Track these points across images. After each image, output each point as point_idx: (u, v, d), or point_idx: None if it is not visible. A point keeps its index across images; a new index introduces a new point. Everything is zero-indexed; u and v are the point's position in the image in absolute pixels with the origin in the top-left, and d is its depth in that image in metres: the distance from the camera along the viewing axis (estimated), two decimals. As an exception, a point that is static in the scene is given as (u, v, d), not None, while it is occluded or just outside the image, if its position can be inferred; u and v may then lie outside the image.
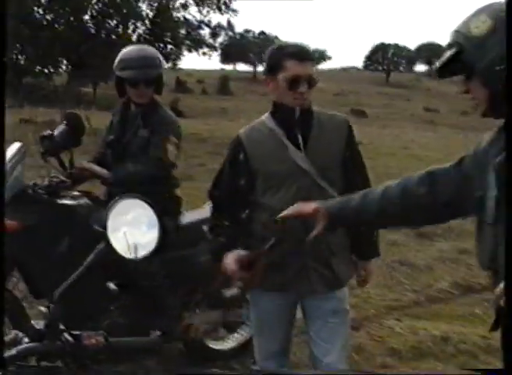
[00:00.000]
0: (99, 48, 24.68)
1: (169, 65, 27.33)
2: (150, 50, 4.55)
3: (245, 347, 4.80)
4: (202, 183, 12.33)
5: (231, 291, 4.71)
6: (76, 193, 4.35)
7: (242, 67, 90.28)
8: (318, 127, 3.22)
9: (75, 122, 4.40)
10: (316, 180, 3.14)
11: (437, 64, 2.23)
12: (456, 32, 2.14)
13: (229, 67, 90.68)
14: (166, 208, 4.26)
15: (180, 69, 32.12)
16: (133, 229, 1.63)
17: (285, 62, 3.09)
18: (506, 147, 1.70)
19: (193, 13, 28.70)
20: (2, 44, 1.69)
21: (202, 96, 51.82)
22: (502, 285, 1.88)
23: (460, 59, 2.11)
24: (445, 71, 2.24)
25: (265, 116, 3.30)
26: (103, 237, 1.62)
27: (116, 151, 4.42)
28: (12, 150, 4.13)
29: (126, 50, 4.43)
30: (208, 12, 28.59)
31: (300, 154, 3.15)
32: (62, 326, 1.59)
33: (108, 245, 1.60)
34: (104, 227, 1.59)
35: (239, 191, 3.28)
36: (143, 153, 4.30)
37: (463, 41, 2.10)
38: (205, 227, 4.50)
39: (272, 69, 3.16)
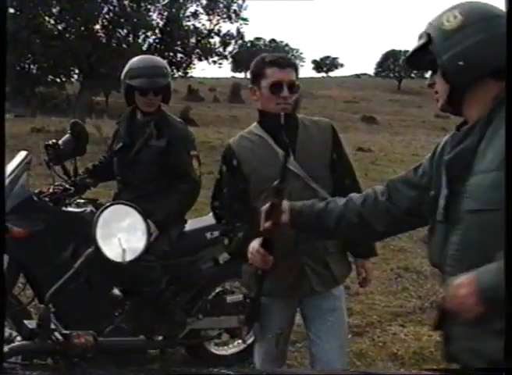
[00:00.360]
0: (110, 58, 24.83)
1: (180, 73, 27.43)
2: (157, 60, 4.65)
3: (247, 352, 4.85)
4: (210, 192, 12.47)
5: (234, 297, 4.77)
6: (80, 200, 4.43)
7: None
8: (304, 132, 3.30)
9: (79, 131, 4.51)
10: (307, 182, 3.21)
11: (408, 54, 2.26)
12: (430, 24, 2.14)
13: (240, 75, 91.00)
14: (176, 220, 4.42)
15: (192, 77, 32.28)
16: (120, 233, 1.71)
17: (266, 69, 3.18)
18: (506, 146, 1.74)
19: (203, 22, 28.80)
20: (2, 45, 1.74)
21: (214, 104, 52.10)
22: (449, 282, 1.93)
23: (427, 51, 2.13)
24: (413, 61, 2.28)
25: (253, 126, 3.38)
26: (92, 240, 1.70)
27: (125, 159, 4.48)
28: (18, 159, 4.22)
29: (135, 60, 4.50)
30: (218, 21, 28.77)
31: (289, 158, 3.21)
32: (53, 326, 1.67)
33: (97, 250, 1.67)
34: (92, 231, 1.67)
35: (236, 197, 3.34)
36: (156, 162, 4.38)
37: (433, 32, 2.10)
38: (208, 234, 4.58)
39: (255, 78, 3.25)
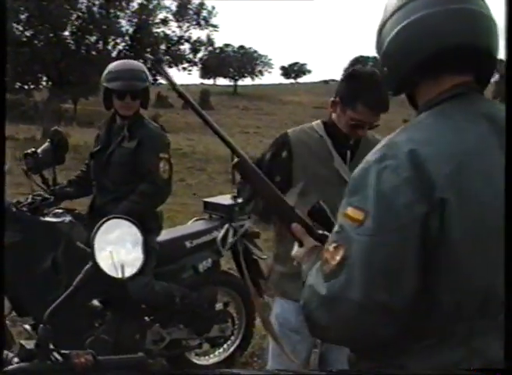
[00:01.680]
0: (79, 65, 24.67)
1: (150, 80, 27.25)
2: (136, 63, 4.64)
3: (229, 362, 4.83)
4: (182, 199, 12.42)
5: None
6: (58, 210, 4.35)
7: (222, 81, 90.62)
8: (365, 145, 3.22)
9: (59, 139, 4.46)
10: None
11: None
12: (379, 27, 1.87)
13: (209, 82, 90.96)
14: (150, 225, 4.32)
15: (161, 84, 32.17)
16: (118, 248, 1.67)
17: (359, 105, 3.10)
18: (507, 146, 1.63)
19: (173, 29, 28.76)
20: (2, 46, 1.70)
21: (183, 111, 51.80)
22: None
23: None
24: None
25: (316, 123, 3.33)
26: (89, 256, 1.66)
27: (100, 161, 4.45)
28: None
29: (114, 63, 4.50)
30: (188, 27, 28.75)
31: (345, 166, 3.21)
32: (51, 346, 1.62)
33: (95, 265, 1.64)
34: (90, 247, 1.63)
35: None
36: (126, 164, 4.35)
37: (378, 28, 1.85)
38: (188, 243, 4.55)
39: (345, 101, 3.15)
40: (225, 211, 4.89)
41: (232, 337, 4.94)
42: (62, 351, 1.61)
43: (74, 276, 4.15)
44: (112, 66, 4.44)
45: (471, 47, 1.68)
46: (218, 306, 4.81)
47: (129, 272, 1.64)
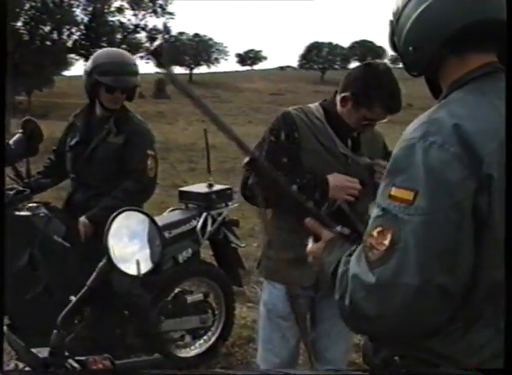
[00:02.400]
0: (33, 55, 24.22)
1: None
2: (128, 56, 4.46)
3: (211, 352, 4.77)
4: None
5: (194, 297, 4.68)
6: (33, 204, 4.18)
7: (177, 70, 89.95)
8: (364, 136, 3.25)
9: (32, 129, 4.26)
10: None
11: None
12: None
13: (164, 70, 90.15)
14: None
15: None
16: (133, 243, 1.58)
17: (376, 106, 3.03)
18: (507, 147, 1.60)
19: (128, 17, 28.42)
20: (2, 45, 1.61)
21: (139, 100, 51.28)
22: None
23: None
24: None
25: (315, 107, 3.24)
26: (104, 252, 1.55)
27: (81, 155, 4.30)
28: None
29: (104, 54, 4.36)
30: (143, 15, 28.45)
31: (350, 152, 3.18)
32: (66, 353, 1.52)
33: (109, 263, 1.53)
34: (104, 242, 1.53)
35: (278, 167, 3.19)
36: (111, 160, 4.22)
37: (393, 17, 1.87)
38: (167, 233, 4.45)
39: (360, 99, 3.06)
40: (202, 199, 4.83)
41: (213, 328, 4.87)
42: (78, 358, 1.50)
43: (53, 271, 4.02)
44: (101, 56, 4.28)
45: (494, 22, 1.69)
46: (198, 297, 4.73)
47: (145, 268, 1.55)
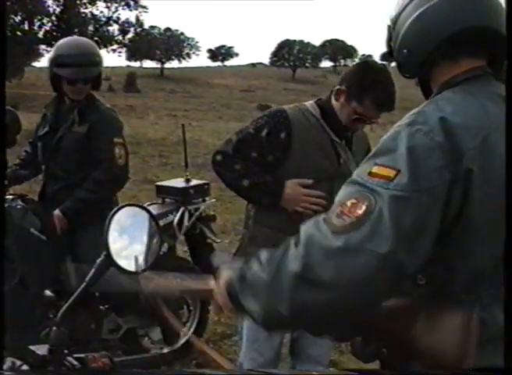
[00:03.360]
0: (3, 45, 23.90)
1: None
2: (89, 46, 4.35)
3: (185, 349, 4.74)
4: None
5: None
6: (9, 196, 4.08)
7: (148, 64, 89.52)
8: (357, 140, 3.30)
9: (9, 120, 4.11)
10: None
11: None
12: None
13: (135, 64, 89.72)
14: (107, 213, 4.18)
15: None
16: (132, 239, 1.56)
17: (367, 100, 3.06)
18: (507, 147, 1.65)
19: (101, 9, 28.17)
20: (2, 44, 1.59)
21: (109, 93, 50.94)
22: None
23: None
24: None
25: (310, 105, 3.25)
26: (104, 248, 1.53)
27: (48, 146, 4.24)
28: None
29: (63, 44, 4.26)
30: (116, 8, 28.23)
31: (348, 153, 3.20)
32: (65, 351, 1.49)
33: (108, 258, 1.51)
34: (104, 238, 1.50)
35: (260, 163, 3.17)
36: (77, 150, 4.16)
37: (390, 22, 1.94)
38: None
39: (352, 92, 3.09)
40: (180, 194, 4.80)
41: (188, 324, 4.85)
42: (77, 356, 1.47)
43: (29, 264, 3.96)
44: (61, 47, 4.20)
45: (485, 29, 1.77)
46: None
47: (143, 265, 1.53)
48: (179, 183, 4.95)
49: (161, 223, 4.52)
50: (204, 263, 4.92)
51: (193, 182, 4.98)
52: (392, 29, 1.92)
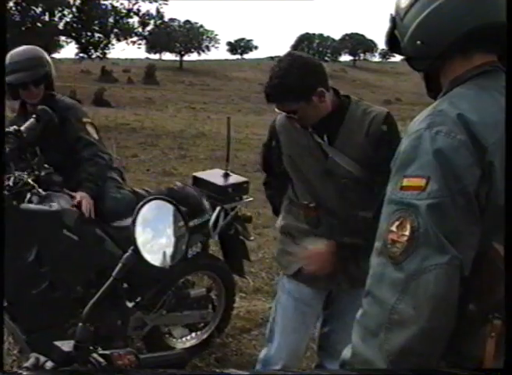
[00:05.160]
0: (24, 37, 23.93)
1: (98, 54, 26.83)
2: (34, 50, 4.51)
3: (206, 344, 4.72)
4: (136, 175, 12.22)
5: (197, 291, 4.58)
6: (42, 192, 3.93)
7: (168, 56, 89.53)
8: (349, 121, 3.13)
9: (48, 120, 4.12)
10: (349, 170, 3.09)
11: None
12: (395, 4, 1.92)
13: (154, 56, 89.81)
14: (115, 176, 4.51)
15: (106, 58, 31.61)
16: (160, 233, 1.53)
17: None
18: (507, 147, 1.62)
19: (121, 1, 28.12)
20: (2, 43, 1.58)
21: (128, 86, 51.10)
22: None
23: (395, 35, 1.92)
24: (393, 48, 2.00)
25: None
26: (132, 242, 1.49)
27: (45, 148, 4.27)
28: None
29: (11, 54, 4.40)
30: (136, 0, 28.15)
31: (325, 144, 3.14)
32: (91, 347, 1.46)
33: (135, 253, 1.47)
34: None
35: (275, 174, 3.43)
36: (59, 139, 4.35)
37: (395, 14, 1.90)
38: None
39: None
40: (219, 192, 4.63)
41: (211, 322, 4.81)
42: (102, 352, 1.44)
43: (59, 268, 3.84)
44: (10, 56, 4.33)
45: (499, 25, 1.74)
46: (201, 292, 4.63)
47: (173, 259, 1.50)
48: (217, 177, 4.75)
49: (197, 221, 4.44)
50: (236, 262, 4.84)
51: (232, 179, 4.79)
52: (400, 19, 1.87)
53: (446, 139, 1.59)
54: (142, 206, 1.50)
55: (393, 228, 1.58)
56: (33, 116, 4.11)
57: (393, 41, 1.94)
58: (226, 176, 4.74)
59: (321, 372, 3.02)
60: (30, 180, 3.88)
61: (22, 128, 3.98)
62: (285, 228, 3.39)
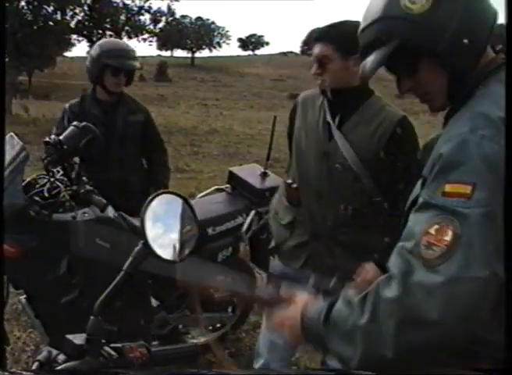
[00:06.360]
0: (36, 36, 24.07)
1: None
2: (128, 44, 4.76)
3: (220, 341, 4.70)
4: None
5: (221, 295, 4.53)
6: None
7: (179, 53, 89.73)
8: (361, 113, 3.06)
9: (92, 138, 3.71)
10: (348, 163, 3.02)
11: (371, 65, 1.73)
12: (382, 21, 1.70)
13: (166, 53, 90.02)
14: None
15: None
16: (170, 226, 1.53)
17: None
18: (506, 147, 1.57)
19: (132, -1, 28.21)
20: (2, 43, 1.58)
21: (140, 83, 51.22)
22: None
23: (404, 50, 1.68)
24: (390, 68, 1.81)
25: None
26: (140, 236, 1.48)
27: (109, 139, 4.26)
28: (12, 148, 3.37)
29: (111, 41, 4.81)
30: (147, -3, 28.23)
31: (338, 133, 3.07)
32: (103, 340, 1.46)
33: (146, 247, 1.48)
34: (141, 225, 1.47)
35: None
36: (139, 137, 4.50)
37: (401, 28, 1.67)
38: (210, 230, 4.17)
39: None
40: (255, 194, 4.44)
41: (229, 323, 4.77)
42: (114, 345, 1.45)
43: (90, 276, 3.75)
44: (109, 43, 4.58)
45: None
46: (225, 297, 4.55)
47: (183, 253, 1.50)
48: (255, 177, 4.52)
49: (229, 225, 4.31)
50: (263, 260, 4.73)
51: (270, 180, 4.51)
52: (425, 20, 1.65)
53: (491, 144, 1.51)
54: (151, 200, 1.50)
55: (432, 231, 1.51)
56: (74, 123, 3.84)
57: (393, 61, 1.74)
58: (264, 175, 4.54)
59: (324, 371, 2.99)
60: (66, 194, 3.61)
61: (61, 137, 3.66)
62: (272, 204, 3.43)
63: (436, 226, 1.50)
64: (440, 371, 1.58)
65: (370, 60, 1.72)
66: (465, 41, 1.66)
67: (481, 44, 1.70)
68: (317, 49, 2.98)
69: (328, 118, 3.05)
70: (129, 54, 4.43)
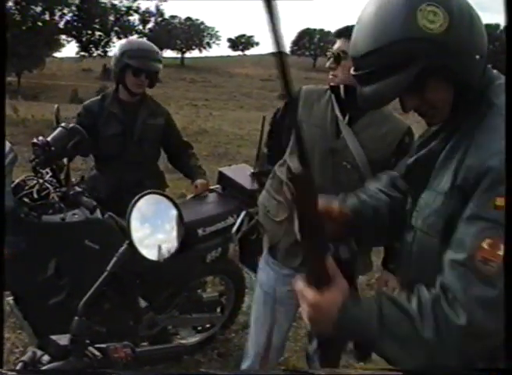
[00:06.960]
0: (25, 36, 24.01)
1: (99, 52, 26.93)
2: (154, 46, 4.67)
3: (208, 341, 4.70)
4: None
5: (210, 295, 4.52)
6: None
7: (169, 54, 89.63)
8: (371, 115, 3.05)
9: (79, 140, 3.72)
10: (354, 162, 3.02)
11: (394, 88, 1.68)
12: (402, 43, 1.64)
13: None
14: None
15: (107, 56, 31.70)
16: (155, 227, 1.53)
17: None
18: (506, 147, 1.57)
19: (121, -1, 28.20)
20: (2, 44, 1.57)
21: (130, 83, 51.11)
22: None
23: (421, 71, 1.64)
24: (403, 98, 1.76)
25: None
26: (126, 236, 1.48)
27: (128, 140, 4.32)
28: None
29: (135, 41, 4.58)
30: (135, -2, 28.24)
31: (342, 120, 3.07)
32: (87, 341, 1.46)
33: (130, 247, 1.47)
34: (126, 226, 1.46)
35: (280, 144, 3.27)
36: (159, 140, 4.49)
37: (425, 48, 1.62)
38: (200, 231, 4.16)
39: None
40: (245, 194, 4.42)
41: (218, 323, 4.77)
42: (98, 346, 1.45)
43: (78, 277, 3.73)
44: (132, 43, 4.49)
45: None
46: (214, 297, 4.56)
47: (167, 253, 1.50)
48: (245, 178, 4.49)
49: (220, 226, 4.30)
50: (252, 260, 4.70)
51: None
52: (445, 39, 1.63)
53: None
54: (137, 201, 1.50)
55: (485, 245, 1.52)
56: (62, 124, 3.82)
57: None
58: (253, 175, 4.43)
59: (318, 371, 2.99)
60: (55, 196, 3.59)
61: (49, 138, 3.65)
62: (260, 202, 3.40)
63: (489, 241, 1.52)
64: (440, 371, 1.60)
65: (392, 82, 1.66)
66: (477, 56, 1.67)
67: (485, 57, 1.72)
68: (336, 45, 3.01)
69: (339, 115, 3.06)
70: (152, 55, 4.38)
